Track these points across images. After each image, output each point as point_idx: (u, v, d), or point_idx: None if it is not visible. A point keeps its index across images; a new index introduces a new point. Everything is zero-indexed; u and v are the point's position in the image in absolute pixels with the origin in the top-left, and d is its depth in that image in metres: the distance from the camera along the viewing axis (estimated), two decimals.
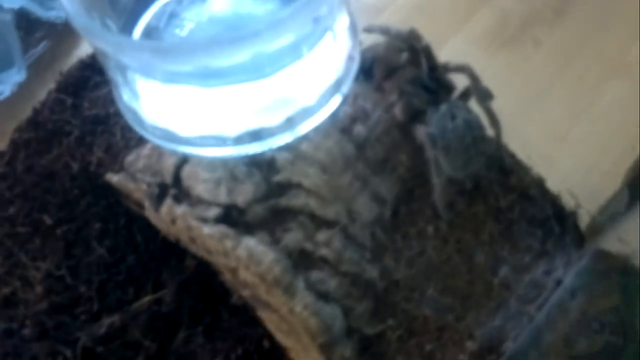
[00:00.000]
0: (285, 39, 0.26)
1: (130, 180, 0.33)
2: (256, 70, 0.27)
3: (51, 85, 0.39)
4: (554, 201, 0.33)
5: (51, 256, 0.35)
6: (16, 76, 0.42)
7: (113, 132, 0.35)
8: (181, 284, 0.35)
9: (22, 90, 0.44)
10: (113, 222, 0.36)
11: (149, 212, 0.33)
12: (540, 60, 0.51)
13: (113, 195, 0.35)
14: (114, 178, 0.34)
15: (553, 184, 0.42)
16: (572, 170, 0.45)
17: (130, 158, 0.34)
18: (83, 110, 0.36)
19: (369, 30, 0.34)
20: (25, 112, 0.39)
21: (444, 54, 0.51)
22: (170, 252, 0.35)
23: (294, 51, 0.28)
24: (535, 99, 0.49)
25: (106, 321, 0.35)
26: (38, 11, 0.43)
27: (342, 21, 0.30)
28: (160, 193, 0.32)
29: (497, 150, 0.33)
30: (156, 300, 0.35)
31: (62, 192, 0.36)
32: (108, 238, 0.36)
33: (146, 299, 0.35)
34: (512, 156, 0.34)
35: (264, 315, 0.31)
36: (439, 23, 0.54)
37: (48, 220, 0.36)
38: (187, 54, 0.25)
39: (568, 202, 0.36)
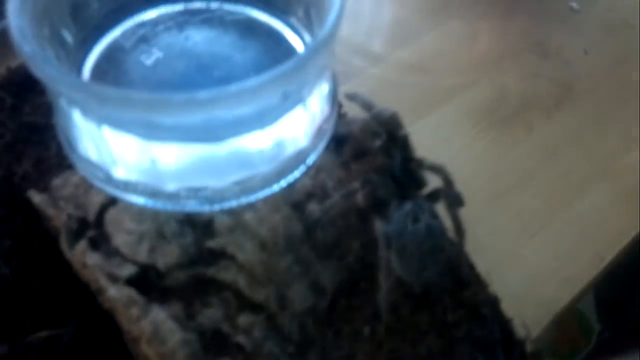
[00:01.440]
0: (246, 109, 0.23)
1: (52, 205, 0.30)
2: (208, 132, 0.24)
3: None
4: (504, 325, 0.31)
5: None
6: None
7: (48, 145, 0.32)
8: (84, 326, 0.32)
9: None
10: (26, 242, 0.32)
11: (64, 246, 0.29)
12: (529, 148, 0.49)
13: (32, 213, 0.32)
14: (36, 197, 0.31)
15: (512, 281, 0.40)
16: (534, 270, 0.42)
17: (57, 181, 0.30)
18: (22, 114, 0.32)
19: (350, 98, 0.31)
20: None
21: (433, 119, 0.50)
22: (81, 289, 0.31)
23: (255, 121, 0.25)
24: (514, 187, 0.46)
25: None
26: None
27: (319, 90, 0.27)
28: (79, 230, 0.28)
29: (457, 259, 0.30)
30: (54, 337, 0.32)
31: None
32: (17, 258, 0.32)
33: (43, 334, 0.32)
34: (471, 267, 0.31)
35: None
36: (435, 85, 0.52)
37: None
38: (130, 105, 0.22)
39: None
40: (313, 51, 0.22)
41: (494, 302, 0.31)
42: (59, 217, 0.29)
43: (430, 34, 0.55)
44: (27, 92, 0.33)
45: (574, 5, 0.60)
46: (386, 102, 0.48)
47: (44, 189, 0.31)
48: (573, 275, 0.43)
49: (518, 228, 0.44)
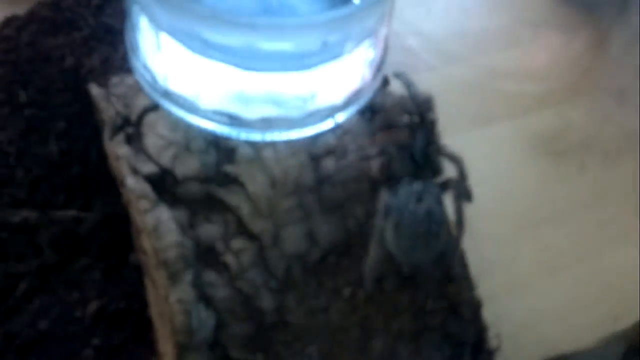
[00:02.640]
0: (285, 45, 0.25)
1: (105, 99, 0.33)
2: (248, 60, 0.26)
3: None
4: (479, 330, 0.31)
5: (9, 130, 0.35)
6: None
7: (117, 47, 0.35)
8: (106, 216, 0.35)
9: None
10: (77, 129, 0.36)
11: (105, 137, 0.32)
12: (576, 188, 0.48)
13: (89, 104, 0.35)
14: (94, 90, 0.34)
15: (514, 308, 0.40)
16: (541, 306, 0.42)
17: (115, 79, 0.33)
18: (103, 14, 0.36)
19: (396, 75, 0.32)
20: None
21: (491, 131, 0.49)
22: (110, 184, 0.34)
23: (293, 61, 0.26)
24: (549, 221, 0.46)
25: (24, 213, 0.34)
26: None
27: (364, 53, 0.29)
28: (120, 126, 0.31)
29: (451, 251, 0.30)
30: (77, 219, 0.35)
31: (47, 79, 0.35)
32: (65, 140, 0.36)
33: (70, 213, 0.35)
34: (464, 266, 0.32)
35: (148, 284, 0.30)
36: (503, 99, 0.51)
37: (23, 97, 0.36)
38: (190, 16, 0.24)
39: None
40: (356, 9, 0.24)
41: (476, 306, 0.31)
42: (109, 111, 0.32)
43: (515, 49, 0.54)
44: None
45: None
46: (448, 104, 0.49)
47: (104, 85, 0.34)
48: (579, 326, 0.42)
49: (539, 261, 0.44)
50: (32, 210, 0.35)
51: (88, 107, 0.35)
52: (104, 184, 0.35)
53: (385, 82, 0.34)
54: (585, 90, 0.53)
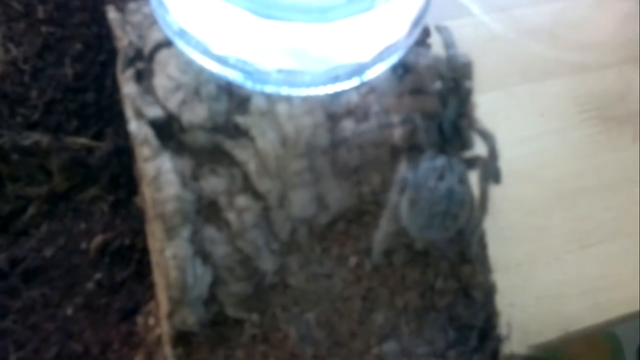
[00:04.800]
0: None
1: (120, 26, 0.31)
2: (268, 8, 0.23)
3: None
4: (490, 316, 0.29)
5: (25, 47, 0.34)
6: None
7: None
8: (117, 149, 0.34)
9: None
10: (94, 52, 0.34)
11: (118, 68, 0.30)
12: (624, 161, 0.44)
13: (106, 28, 0.33)
14: (111, 13, 0.31)
15: (538, 282, 0.38)
16: (566, 279, 0.40)
17: (132, 6, 0.31)
18: None
19: (438, 30, 0.29)
20: None
21: (539, 87, 0.45)
22: (123, 115, 0.33)
23: (317, 12, 0.23)
24: (589, 190, 0.43)
25: (35, 136, 0.33)
26: None
27: (398, 7, 0.25)
28: (133, 58, 0.29)
29: (470, 233, 0.28)
30: (89, 148, 0.34)
31: None
32: (81, 63, 0.34)
33: (81, 140, 0.34)
34: (483, 247, 0.29)
35: (149, 230, 0.29)
36: (560, 55, 0.46)
37: (41, 13, 0.34)
38: None
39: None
40: None
41: (489, 290, 0.29)
42: (123, 40, 0.30)
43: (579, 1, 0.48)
44: None
45: None
46: (498, 55, 0.45)
47: (121, 9, 0.32)
48: (604, 304, 0.40)
49: (571, 232, 0.41)
50: (44, 133, 0.34)
51: (105, 30, 0.33)
52: (118, 114, 0.34)
53: (426, 35, 0.31)
54: None
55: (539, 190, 0.42)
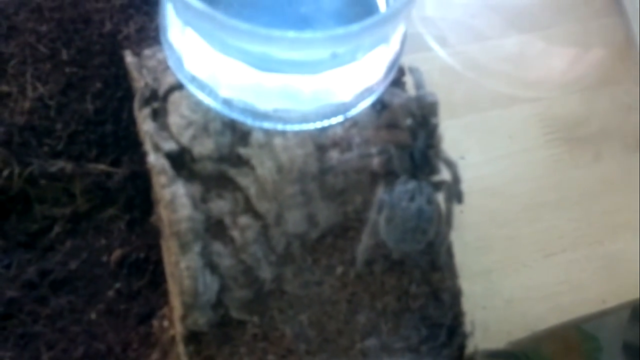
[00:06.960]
0: (299, 54, 0.27)
1: (137, 69, 0.35)
2: (263, 62, 0.28)
3: None
4: (457, 316, 0.34)
5: (51, 85, 0.38)
6: None
7: (153, 18, 0.37)
8: (133, 174, 0.39)
9: None
10: (112, 90, 0.39)
11: (135, 107, 0.35)
12: (586, 176, 0.48)
13: (123, 69, 0.38)
14: (129, 57, 0.36)
15: (507, 286, 0.43)
16: (533, 284, 0.44)
17: (148, 52, 0.36)
18: None
19: (410, 71, 0.34)
20: None
21: (506, 113, 0.49)
22: (138, 145, 0.38)
23: (306, 66, 0.29)
24: (553, 204, 0.46)
25: (60, 164, 0.38)
26: None
27: (378, 54, 0.30)
28: (149, 98, 0.34)
29: (438, 245, 0.33)
30: (107, 173, 0.39)
31: (87, 40, 0.38)
32: (101, 100, 0.39)
33: (101, 167, 0.39)
34: (450, 257, 0.34)
35: (163, 246, 0.34)
36: (523, 83, 0.51)
37: (65, 55, 0.38)
38: (209, 20, 0.26)
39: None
40: (364, 25, 0.25)
41: (456, 293, 0.34)
42: (140, 81, 0.35)
43: (541, 32, 0.53)
44: None
45: None
46: (469, 82, 0.50)
47: (137, 53, 0.36)
48: (567, 306, 0.44)
49: (537, 242, 0.45)
50: (68, 161, 0.38)
51: (122, 71, 0.38)
52: (133, 143, 0.38)
53: (401, 74, 0.36)
54: (613, 79, 0.52)
55: (508, 204, 0.46)
